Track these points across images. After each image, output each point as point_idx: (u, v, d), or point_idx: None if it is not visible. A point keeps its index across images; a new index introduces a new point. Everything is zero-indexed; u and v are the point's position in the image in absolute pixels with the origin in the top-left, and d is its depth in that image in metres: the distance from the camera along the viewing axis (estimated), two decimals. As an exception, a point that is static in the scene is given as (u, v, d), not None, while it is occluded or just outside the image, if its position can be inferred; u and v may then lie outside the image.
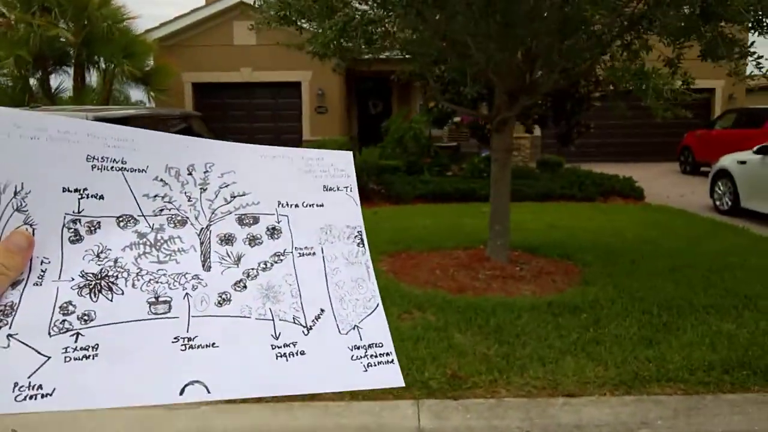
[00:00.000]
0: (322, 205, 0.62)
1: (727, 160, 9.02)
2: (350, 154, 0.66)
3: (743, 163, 8.54)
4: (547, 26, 4.21)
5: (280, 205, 0.61)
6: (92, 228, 0.53)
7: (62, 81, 10.63)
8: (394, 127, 11.98)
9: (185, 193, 0.57)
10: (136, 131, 0.55)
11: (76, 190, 0.52)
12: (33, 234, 0.51)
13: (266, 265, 0.58)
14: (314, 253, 0.60)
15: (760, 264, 5.46)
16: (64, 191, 0.52)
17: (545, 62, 4.60)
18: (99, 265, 0.52)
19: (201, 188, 0.58)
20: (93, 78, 11.00)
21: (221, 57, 12.43)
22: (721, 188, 9.03)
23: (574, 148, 12.41)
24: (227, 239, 0.58)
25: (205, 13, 12.47)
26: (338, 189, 0.64)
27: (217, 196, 0.58)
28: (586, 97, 10.07)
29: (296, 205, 0.61)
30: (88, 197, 0.53)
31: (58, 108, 6.24)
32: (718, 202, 9.11)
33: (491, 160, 5.54)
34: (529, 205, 9.33)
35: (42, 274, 0.51)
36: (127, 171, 0.54)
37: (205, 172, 0.58)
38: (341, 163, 0.65)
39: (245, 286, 0.57)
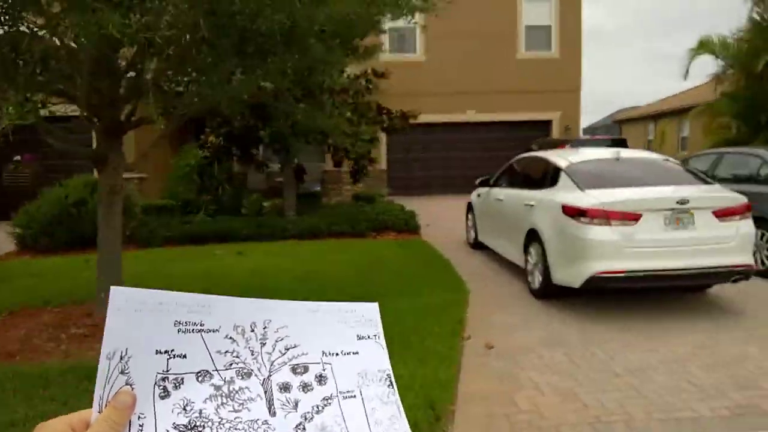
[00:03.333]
0: (357, 353, 0.69)
1: (474, 194, 9.00)
2: (376, 305, 0.73)
3: (479, 196, 8.51)
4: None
5: (324, 355, 0.67)
6: (177, 384, 0.58)
7: None
8: (182, 163, 11.46)
9: (249, 348, 0.63)
10: (211, 298, 0.62)
11: (165, 352, 0.59)
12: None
13: (318, 408, 0.64)
14: (355, 396, 0.67)
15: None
16: (156, 353, 0.58)
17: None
18: (186, 417, 0.58)
19: (261, 343, 0.64)
20: None
21: None
22: (469, 222, 8.99)
23: (361, 183, 12.34)
24: (285, 387, 0.64)
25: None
26: (369, 337, 0.70)
27: (274, 349, 0.64)
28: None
29: (337, 354, 0.68)
30: (174, 357, 0.59)
31: None
32: (468, 235, 9.06)
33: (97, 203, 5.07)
34: (281, 245, 8.97)
35: (140, 427, 0.56)
36: (204, 332, 0.61)
37: (264, 328, 0.64)
38: (369, 314, 0.71)
39: (304, 428, 0.62)
